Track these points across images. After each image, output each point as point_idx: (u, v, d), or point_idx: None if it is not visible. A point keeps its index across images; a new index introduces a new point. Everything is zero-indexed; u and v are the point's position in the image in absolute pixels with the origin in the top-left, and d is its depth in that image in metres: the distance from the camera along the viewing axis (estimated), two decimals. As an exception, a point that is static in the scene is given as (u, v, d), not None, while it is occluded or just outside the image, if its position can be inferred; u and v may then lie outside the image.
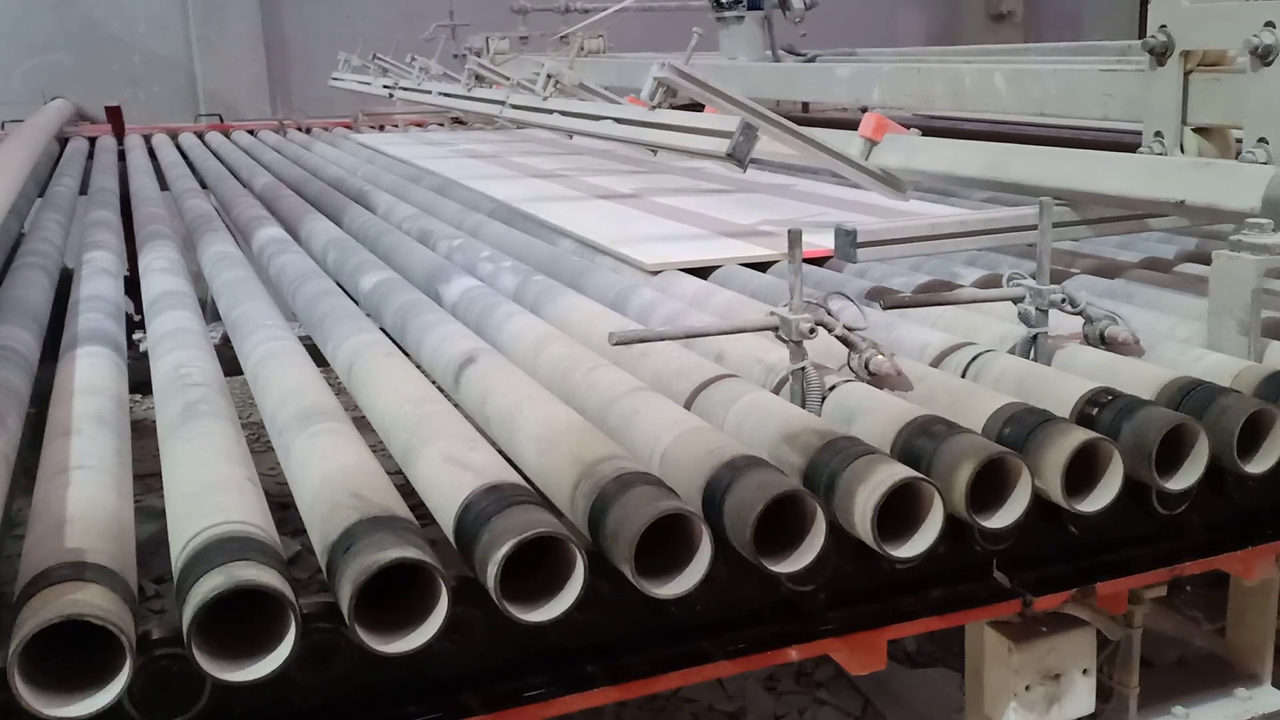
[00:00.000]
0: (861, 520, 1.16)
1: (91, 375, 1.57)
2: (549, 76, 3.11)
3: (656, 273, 2.26)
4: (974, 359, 1.59)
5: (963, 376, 1.57)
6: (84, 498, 1.14)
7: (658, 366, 1.63)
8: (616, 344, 1.47)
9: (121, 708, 0.97)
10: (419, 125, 6.15)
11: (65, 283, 2.35)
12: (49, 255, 2.48)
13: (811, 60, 4.44)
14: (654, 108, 2.48)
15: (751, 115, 2.20)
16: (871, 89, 3.14)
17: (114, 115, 5.21)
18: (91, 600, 0.94)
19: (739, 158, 2.14)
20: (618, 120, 2.71)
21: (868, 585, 1.34)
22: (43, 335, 1.92)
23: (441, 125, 6.09)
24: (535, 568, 1.10)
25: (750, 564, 1.16)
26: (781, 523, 1.17)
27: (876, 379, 1.49)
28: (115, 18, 8.03)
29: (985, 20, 10.75)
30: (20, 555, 1.04)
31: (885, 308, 1.67)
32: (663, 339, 1.54)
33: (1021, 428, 1.31)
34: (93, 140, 4.99)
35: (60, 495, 1.14)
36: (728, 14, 4.39)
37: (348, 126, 6.03)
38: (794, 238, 1.48)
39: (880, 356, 1.48)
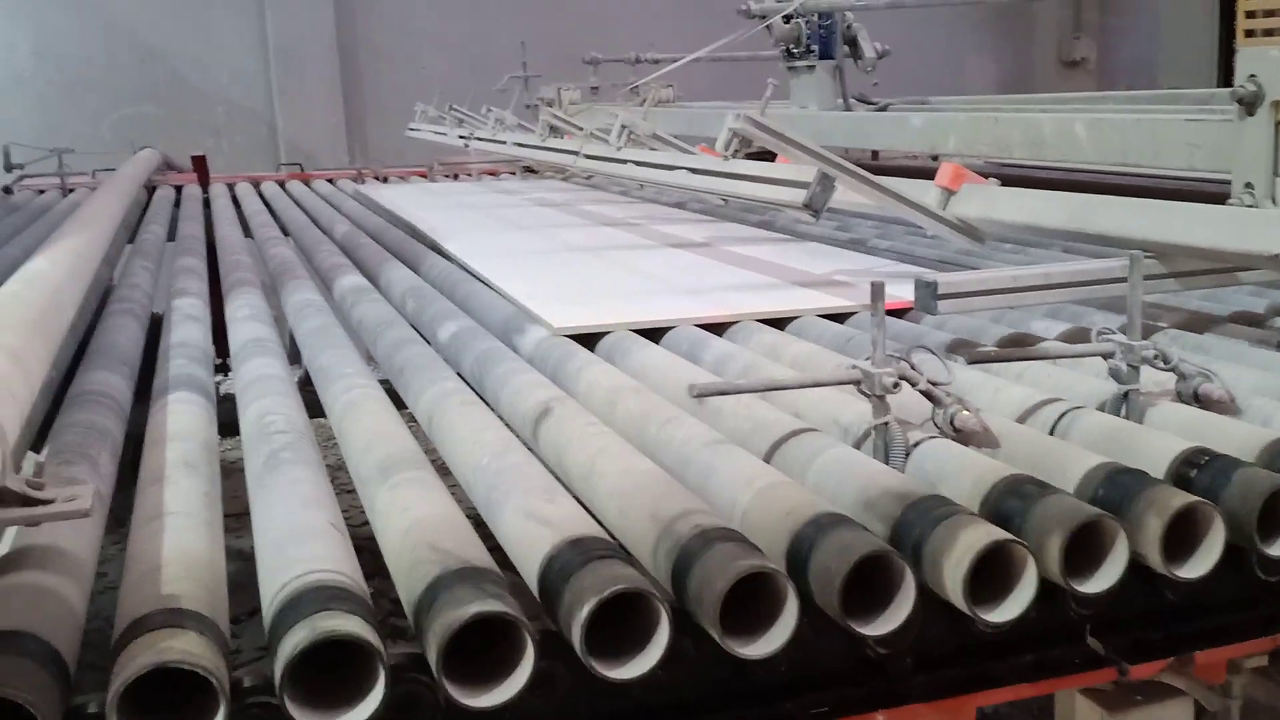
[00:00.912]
0: (952, 583, 1.14)
1: (182, 421, 1.61)
2: (623, 127, 3.15)
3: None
4: (1062, 415, 1.56)
5: (1051, 434, 1.54)
6: (177, 543, 1.16)
7: (736, 419, 1.62)
8: (696, 396, 1.47)
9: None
10: (492, 174, 6.25)
11: (155, 328, 2.42)
12: (139, 302, 2.55)
13: (883, 109, 4.44)
14: (728, 158, 2.49)
15: (828, 165, 2.20)
16: (947, 138, 3.12)
17: (199, 164, 5.37)
18: (186, 647, 0.96)
19: (815, 208, 2.13)
20: (692, 170, 2.73)
21: (955, 648, 1.31)
22: (134, 380, 1.97)
23: (514, 174, 6.19)
24: (619, 623, 1.09)
25: (834, 624, 1.14)
26: (867, 583, 1.15)
27: (962, 435, 1.46)
28: (199, 71, 8.32)
29: (1057, 67, 10.67)
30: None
31: (969, 362, 1.65)
32: (741, 391, 1.54)
33: (1117, 489, 1.27)
34: (179, 189, 5.15)
35: (155, 541, 1.16)
36: (799, 64, 4.41)
37: (423, 175, 6.15)
38: (876, 290, 1.47)
39: (966, 412, 1.46)
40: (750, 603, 1.12)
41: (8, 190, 5.24)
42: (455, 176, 6.19)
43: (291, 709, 0.95)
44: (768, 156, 2.69)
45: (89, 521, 1.21)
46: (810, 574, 1.16)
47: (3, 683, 0.91)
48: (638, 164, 3.03)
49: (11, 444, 1.10)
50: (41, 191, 5.18)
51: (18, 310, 1.48)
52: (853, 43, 4.52)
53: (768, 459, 1.49)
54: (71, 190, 5.10)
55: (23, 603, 1.04)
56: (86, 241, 2.24)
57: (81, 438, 1.53)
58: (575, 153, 3.47)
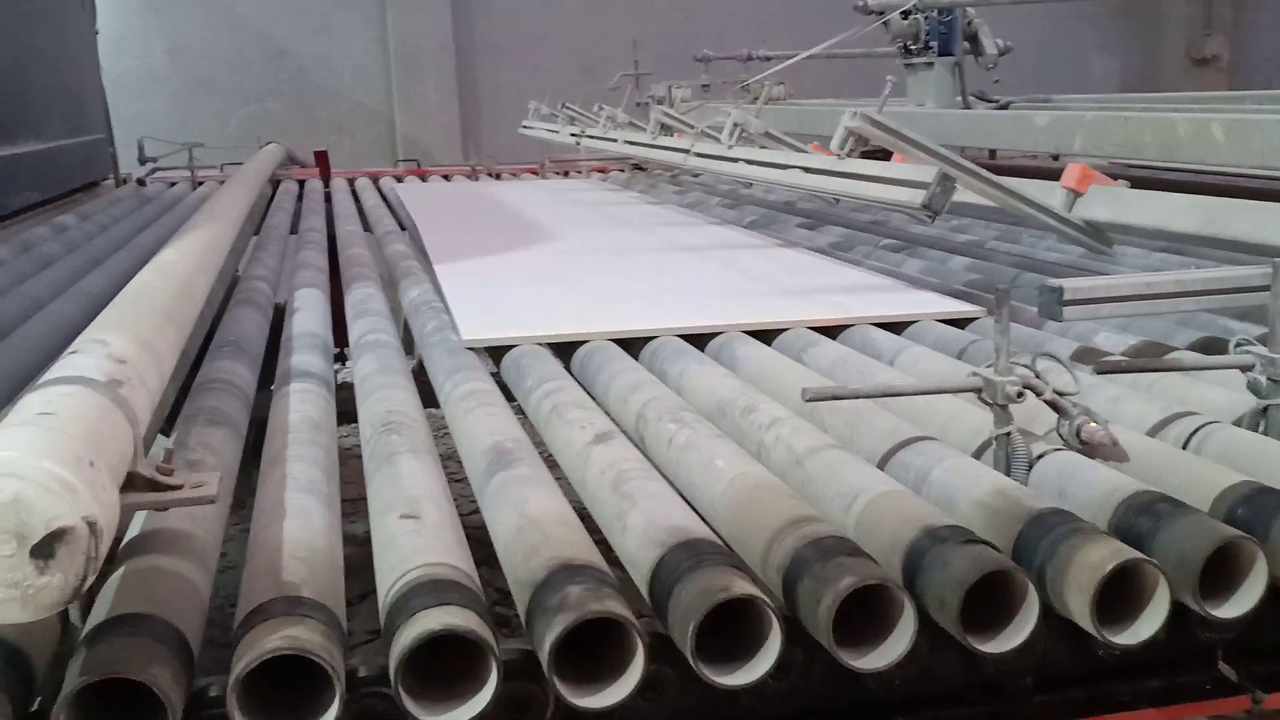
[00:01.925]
0: (1078, 603, 1.09)
1: (303, 410, 1.64)
2: (735, 125, 3.12)
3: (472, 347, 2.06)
4: (1196, 430, 1.48)
5: (1183, 449, 1.47)
6: (297, 533, 1.18)
7: (848, 423, 1.59)
8: (809, 400, 1.44)
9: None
10: (601, 172, 6.28)
11: (277, 318, 2.49)
12: (263, 292, 2.63)
13: (1004, 107, 4.32)
14: (843, 157, 2.45)
15: (949, 165, 2.14)
16: (1073, 137, 3.02)
17: (321, 159, 5.52)
18: (306, 635, 0.97)
19: (935, 209, 2.08)
20: (805, 169, 2.69)
21: (1077, 669, 1.26)
22: (258, 368, 2.03)
23: (622, 171, 6.20)
24: (729, 628, 1.07)
25: (950, 639, 1.11)
26: (987, 599, 1.11)
27: (1089, 448, 1.41)
28: (324, 69, 8.57)
29: (1186, 65, 10.24)
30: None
31: (1098, 372, 1.58)
32: (857, 396, 1.50)
33: (1257, 509, 1.21)
34: (302, 183, 5.30)
35: (276, 529, 1.19)
36: (916, 60, 4.33)
37: (534, 173, 6.21)
38: (1001, 296, 1.42)
39: (1094, 424, 1.40)
40: (864, 615, 1.10)
41: (141, 182, 5.47)
42: (566, 174, 6.23)
43: (406, 702, 0.96)
44: (882, 156, 2.64)
45: (213, 506, 1.24)
46: (927, 588, 1.13)
47: (130, 665, 0.94)
48: (749, 162, 3.00)
49: (142, 431, 1.14)
50: (173, 184, 5.39)
51: (149, 299, 1.53)
52: (973, 39, 4.42)
53: (881, 466, 1.45)
54: (200, 183, 5.29)
55: (149, 586, 1.07)
56: (215, 234, 2.31)
57: (207, 424, 1.58)
58: (686, 151, 3.45)
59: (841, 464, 1.40)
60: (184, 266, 1.83)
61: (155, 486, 1.10)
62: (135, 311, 1.41)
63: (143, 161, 5.41)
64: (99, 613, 1.03)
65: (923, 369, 1.91)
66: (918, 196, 2.13)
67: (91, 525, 0.85)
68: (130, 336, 1.29)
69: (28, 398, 1.05)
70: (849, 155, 2.41)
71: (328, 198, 4.89)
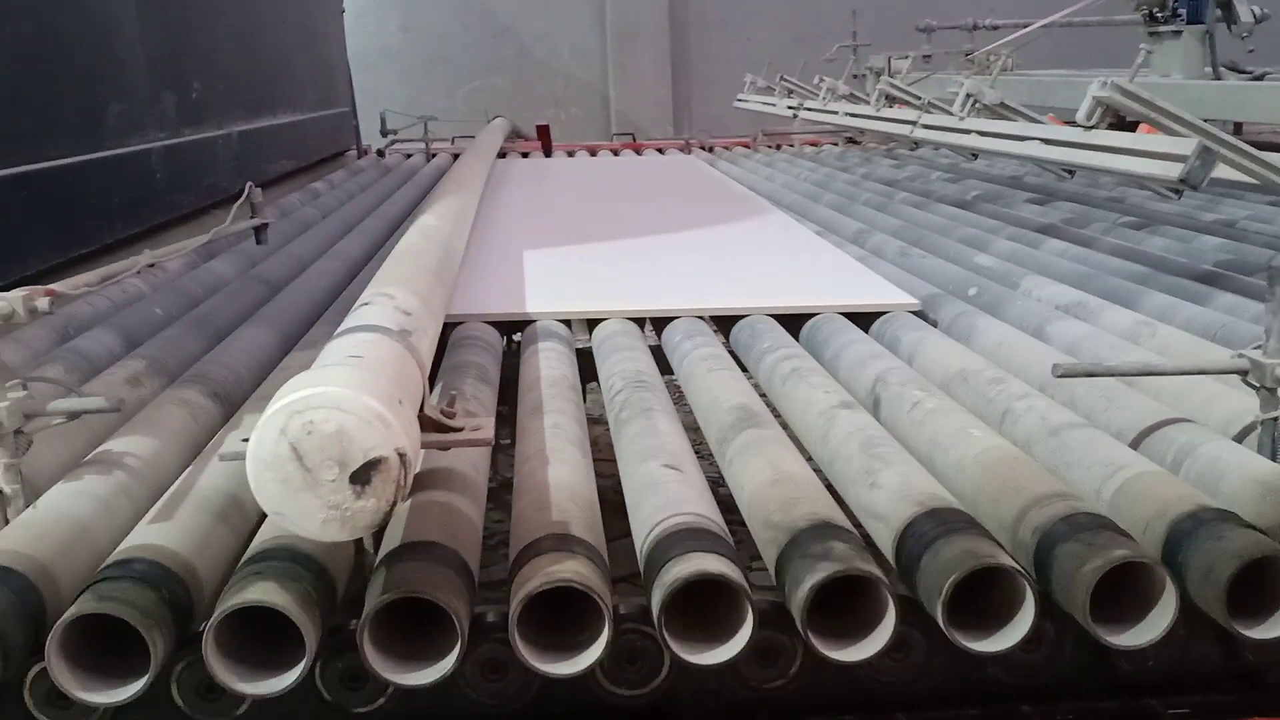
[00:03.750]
0: (1361, 594, 1.04)
1: (552, 368, 1.74)
2: (968, 96, 3.05)
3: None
4: None
5: None
6: (563, 476, 1.27)
7: (1095, 401, 1.55)
8: (1060, 376, 1.41)
9: (592, 673, 1.07)
10: (813, 145, 6.23)
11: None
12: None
13: (1259, 78, 4.03)
14: (1090, 128, 2.36)
15: (1209, 138, 2.03)
16: (1343, 110, 2.79)
17: (543, 133, 5.71)
18: (577, 569, 1.05)
19: (1193, 184, 1.98)
20: (1045, 141, 2.60)
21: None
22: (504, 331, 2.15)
23: (835, 145, 6.13)
24: (974, 597, 1.08)
25: (1207, 623, 1.08)
26: (1250, 585, 1.07)
27: (1367, 436, 1.32)
28: (544, 45, 8.83)
29: None
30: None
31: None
32: (1111, 374, 1.46)
33: None
34: (525, 155, 5.51)
35: (542, 473, 1.27)
36: (1163, 29, 4.09)
37: (746, 146, 6.23)
38: (1275, 274, 1.35)
39: (1373, 412, 1.32)
40: (1119, 593, 1.08)
41: (380, 153, 5.81)
42: (778, 147, 6.21)
43: (670, 640, 1.02)
44: (1125, 129, 2.52)
45: (479, 449, 1.34)
46: (1188, 570, 1.10)
47: (425, 587, 1.03)
48: (982, 134, 2.92)
49: (426, 376, 1.24)
50: (409, 155, 5.71)
51: (421, 259, 1.65)
52: (1226, 5, 4.13)
53: (1134, 446, 1.41)
54: (434, 155, 5.58)
55: (436, 518, 1.17)
56: (463, 200, 2.45)
57: (465, 376, 1.69)
58: (913, 123, 3.40)
59: (1092, 442, 1.37)
60: (443, 230, 1.96)
61: (440, 428, 1.20)
62: (412, 269, 1.53)
63: (384, 133, 5.74)
64: (391, 539, 1.13)
65: (1168, 349, 1.83)
66: (1172, 170, 2.04)
67: (402, 457, 0.95)
68: (410, 291, 1.40)
69: (334, 343, 1.16)
70: (1096, 127, 2.32)
71: (550, 169, 5.06)
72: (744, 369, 1.94)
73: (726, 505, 1.26)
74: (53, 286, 1.34)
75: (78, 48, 2.39)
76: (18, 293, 1.27)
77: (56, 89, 2.26)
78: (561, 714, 1.16)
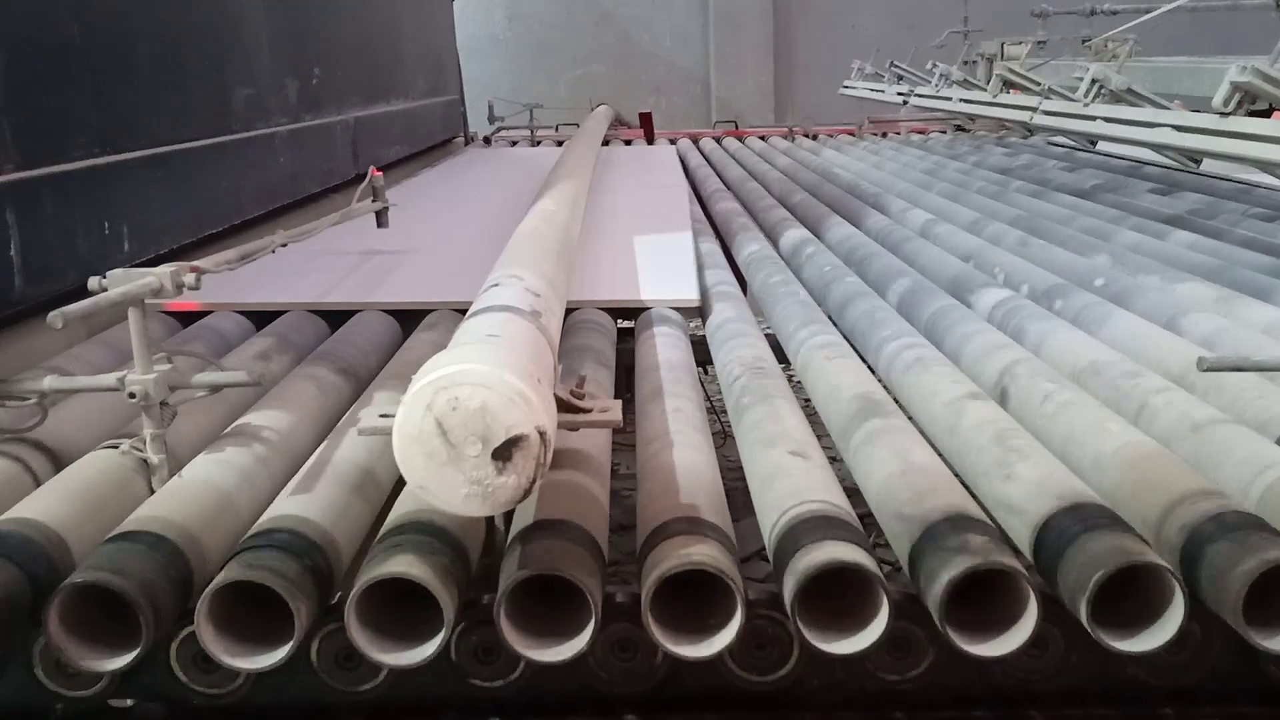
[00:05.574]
0: None
1: (668, 352, 1.74)
2: (1094, 81, 2.95)
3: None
4: None
5: None
6: (685, 461, 1.26)
7: (1236, 397, 1.49)
8: (1205, 370, 1.36)
9: (721, 658, 1.06)
10: (920, 133, 6.11)
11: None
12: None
13: (1405, 63, 3.81)
14: (1226, 115, 2.27)
15: (1361, 125, 1.93)
16: None
17: (645, 120, 5.72)
18: (709, 553, 1.04)
19: (1342, 173, 1.88)
20: (1176, 128, 2.51)
21: None
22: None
23: (944, 133, 6.01)
24: (1108, 596, 1.05)
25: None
26: None
27: None
28: (646, 32, 8.83)
29: None
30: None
31: None
32: (1260, 369, 1.40)
33: None
34: (628, 142, 5.52)
35: (667, 456, 1.27)
36: (1300, 12, 3.90)
37: (851, 134, 6.14)
38: None
39: None
40: (1266, 596, 1.04)
41: (486, 140, 5.89)
42: (884, 135, 6.11)
43: (802, 627, 1.01)
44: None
45: (603, 431, 1.35)
46: (1348, 573, 1.05)
47: (560, 564, 1.04)
48: (1107, 120, 2.83)
49: (555, 357, 1.25)
50: (514, 143, 5.77)
51: (544, 244, 1.66)
52: (1370, -15, 3.92)
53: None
54: (538, 142, 5.63)
55: (566, 497, 1.18)
56: (576, 186, 2.47)
57: (584, 359, 1.70)
58: (1033, 109, 3.31)
59: (1237, 439, 1.32)
60: (561, 215, 1.97)
61: (569, 408, 1.21)
62: (537, 252, 1.54)
63: (491, 121, 5.82)
64: (523, 517, 1.14)
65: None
66: (1318, 158, 1.94)
67: (542, 434, 0.95)
68: (537, 274, 1.41)
69: (471, 321, 1.17)
70: (1233, 114, 2.23)
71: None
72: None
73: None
74: (197, 263, 1.38)
75: (209, 35, 2.47)
76: (165, 268, 1.31)
77: (190, 74, 2.34)
78: (686, 696, 1.16)
